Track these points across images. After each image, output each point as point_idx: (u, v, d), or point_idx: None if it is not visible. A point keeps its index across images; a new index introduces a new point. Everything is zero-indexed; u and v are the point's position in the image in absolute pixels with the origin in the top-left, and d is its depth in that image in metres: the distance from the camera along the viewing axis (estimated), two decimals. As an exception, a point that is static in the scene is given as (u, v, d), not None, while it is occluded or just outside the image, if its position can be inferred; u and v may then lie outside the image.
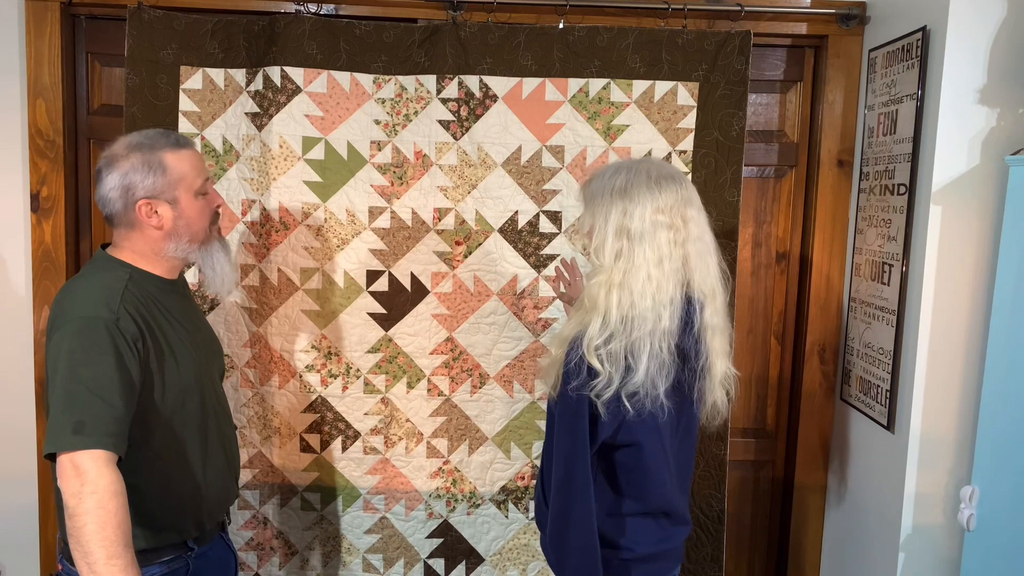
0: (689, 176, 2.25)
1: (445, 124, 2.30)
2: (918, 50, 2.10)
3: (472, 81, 2.29)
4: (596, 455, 1.59)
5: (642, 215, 1.54)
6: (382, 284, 2.34)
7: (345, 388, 2.36)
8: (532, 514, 2.44)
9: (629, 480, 1.62)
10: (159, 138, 1.65)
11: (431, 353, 2.37)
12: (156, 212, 1.63)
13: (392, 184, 2.31)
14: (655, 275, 1.54)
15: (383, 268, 2.34)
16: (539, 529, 1.78)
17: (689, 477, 1.76)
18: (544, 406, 2.39)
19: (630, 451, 1.59)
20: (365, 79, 2.28)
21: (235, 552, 1.92)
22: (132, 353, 1.52)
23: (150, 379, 1.58)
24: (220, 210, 1.80)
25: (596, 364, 1.51)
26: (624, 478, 1.62)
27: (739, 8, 2.35)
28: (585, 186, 1.66)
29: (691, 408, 1.65)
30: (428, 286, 2.34)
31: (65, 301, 1.57)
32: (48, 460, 1.46)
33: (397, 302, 2.35)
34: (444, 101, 2.29)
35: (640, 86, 2.31)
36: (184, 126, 2.29)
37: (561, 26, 2.30)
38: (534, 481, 2.43)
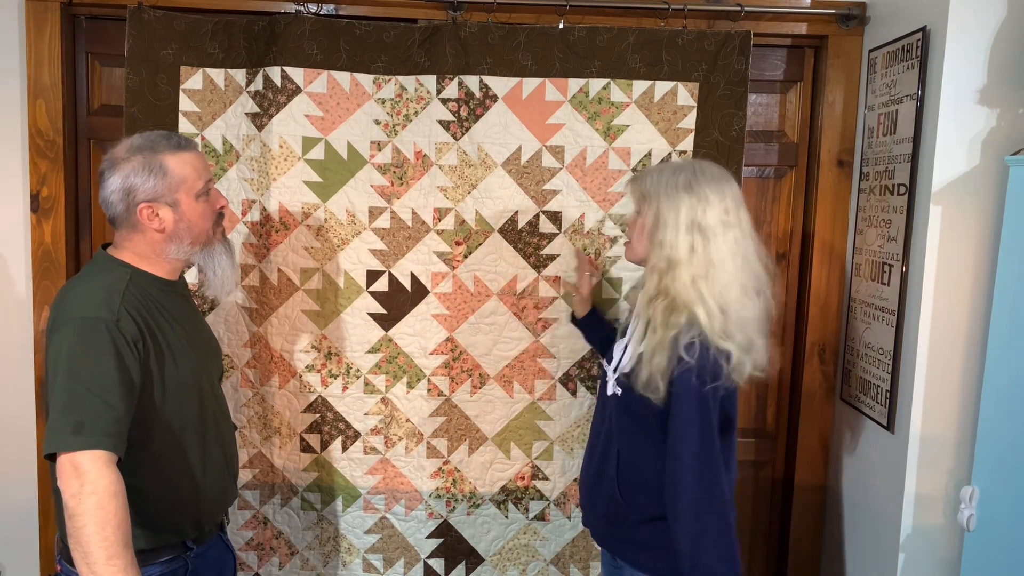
0: None
1: (445, 124, 2.30)
2: (918, 50, 2.10)
3: (472, 81, 2.29)
4: None
5: (713, 213, 1.67)
6: (382, 284, 2.34)
7: (345, 388, 2.36)
8: (532, 514, 2.44)
9: (727, 465, 1.72)
10: (160, 140, 1.65)
11: (431, 353, 2.37)
12: (157, 215, 1.63)
13: (392, 184, 2.31)
14: (730, 268, 1.66)
15: (383, 268, 2.34)
16: (629, 523, 1.85)
17: None
18: (544, 407, 2.39)
19: (730, 432, 1.73)
20: (365, 79, 2.28)
21: (234, 552, 1.92)
22: (132, 354, 1.52)
23: (150, 380, 1.58)
24: (224, 211, 1.80)
25: (728, 347, 1.63)
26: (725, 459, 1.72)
27: (739, 8, 2.35)
28: (637, 182, 1.77)
29: None
30: (428, 286, 2.34)
31: (66, 301, 1.57)
32: (48, 460, 1.46)
33: (397, 302, 2.35)
34: (444, 101, 2.29)
35: (640, 86, 2.31)
36: (184, 126, 2.29)
37: (561, 26, 2.30)
38: (534, 481, 2.42)
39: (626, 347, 1.85)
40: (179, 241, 1.66)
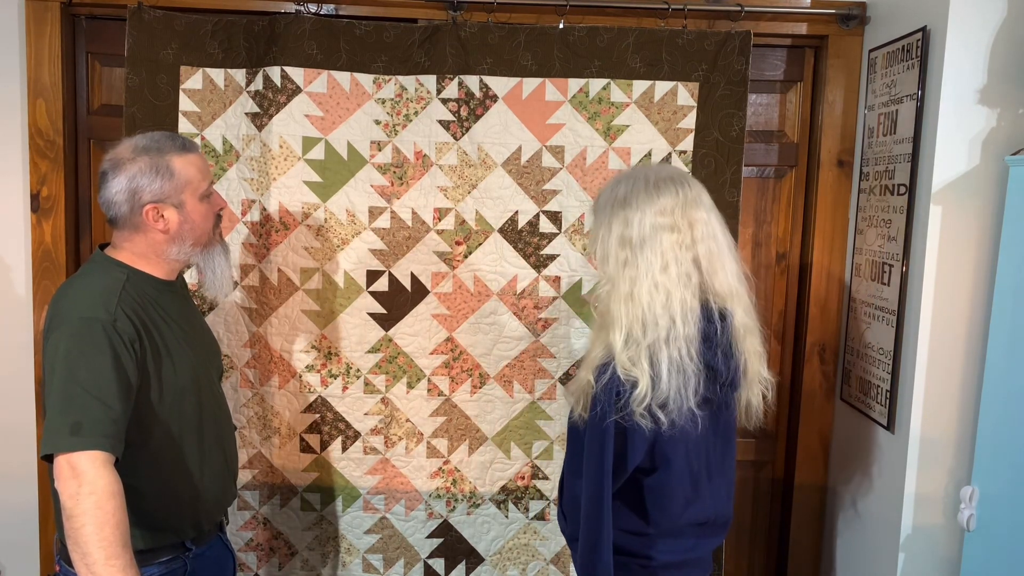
0: None
1: (445, 124, 2.30)
2: (918, 50, 2.10)
3: (472, 81, 2.29)
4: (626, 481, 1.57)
5: (641, 221, 1.51)
6: (382, 284, 2.34)
7: (345, 388, 2.36)
8: (532, 514, 2.44)
9: (654, 503, 1.59)
10: (166, 141, 1.65)
11: (431, 353, 2.37)
12: (162, 216, 1.63)
13: (392, 184, 2.31)
14: (661, 281, 1.50)
15: (383, 268, 2.34)
16: (567, 540, 1.78)
17: (732, 484, 1.73)
18: (544, 407, 2.39)
19: (658, 473, 1.57)
20: (365, 79, 2.28)
21: (233, 552, 1.92)
22: (129, 354, 1.52)
23: (147, 380, 1.58)
24: (223, 213, 1.81)
25: (636, 375, 1.48)
26: (650, 500, 1.59)
27: (739, 8, 2.35)
28: (595, 202, 1.65)
29: (728, 415, 1.63)
30: (428, 286, 2.34)
31: (62, 302, 1.57)
32: (45, 461, 1.46)
33: (397, 302, 2.35)
34: (444, 101, 2.29)
35: (640, 86, 2.31)
36: (184, 126, 2.29)
37: (561, 26, 2.30)
38: (534, 481, 2.43)
39: None
40: (181, 242, 1.67)
